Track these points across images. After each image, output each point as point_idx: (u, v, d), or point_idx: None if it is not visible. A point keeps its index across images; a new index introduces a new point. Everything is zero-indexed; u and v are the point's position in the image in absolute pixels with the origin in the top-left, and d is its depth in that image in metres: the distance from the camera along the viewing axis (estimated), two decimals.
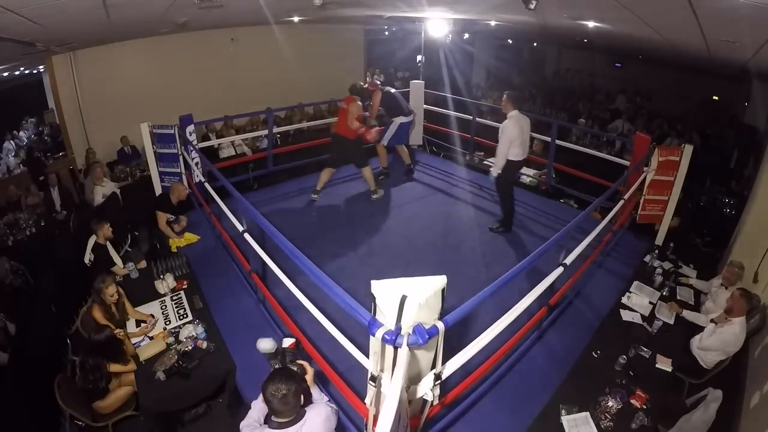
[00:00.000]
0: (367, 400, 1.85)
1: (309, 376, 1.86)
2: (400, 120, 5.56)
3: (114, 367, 2.56)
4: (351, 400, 2.19)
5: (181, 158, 4.86)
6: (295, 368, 1.86)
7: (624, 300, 3.39)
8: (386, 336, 1.52)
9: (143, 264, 3.70)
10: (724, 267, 3.33)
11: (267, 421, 1.72)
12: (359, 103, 5.01)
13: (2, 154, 6.35)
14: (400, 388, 1.45)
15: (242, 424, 1.77)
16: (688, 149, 4.13)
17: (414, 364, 1.78)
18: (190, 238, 4.40)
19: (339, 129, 5.06)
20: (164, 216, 4.22)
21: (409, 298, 1.52)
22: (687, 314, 3.21)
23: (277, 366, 1.91)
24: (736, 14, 2.43)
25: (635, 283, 3.61)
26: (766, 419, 2.44)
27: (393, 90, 5.72)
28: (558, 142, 5.41)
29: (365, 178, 5.34)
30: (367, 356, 1.77)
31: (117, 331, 2.69)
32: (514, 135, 4.16)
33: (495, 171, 4.38)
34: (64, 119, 6.34)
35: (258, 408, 1.81)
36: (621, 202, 4.02)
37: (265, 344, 2.10)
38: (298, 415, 1.64)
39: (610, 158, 5.37)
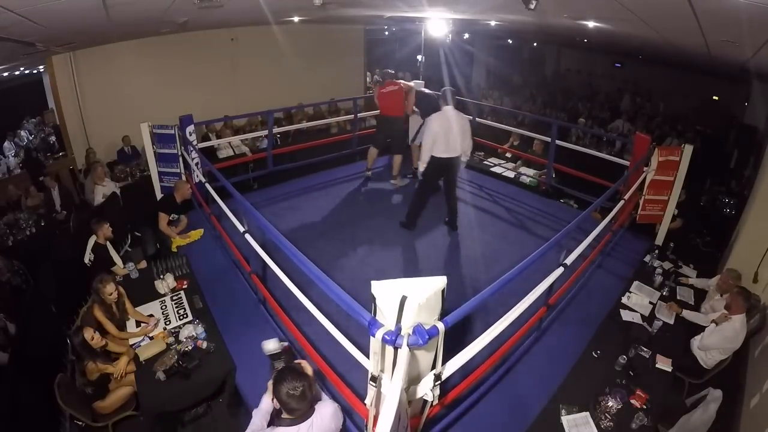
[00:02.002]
0: (368, 401, 1.85)
1: (309, 375, 1.87)
2: None
3: (97, 367, 2.54)
4: (351, 401, 2.19)
5: (180, 158, 4.87)
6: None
7: (624, 300, 3.39)
8: (386, 336, 1.52)
9: (143, 264, 3.70)
10: (723, 272, 3.33)
11: (274, 421, 1.74)
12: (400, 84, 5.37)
13: (2, 154, 6.34)
14: (400, 389, 1.45)
15: None
16: (688, 149, 4.13)
17: (414, 365, 1.78)
18: (195, 235, 4.42)
19: (391, 111, 5.38)
20: (166, 217, 4.22)
21: (409, 299, 1.52)
22: (687, 314, 3.22)
23: (281, 366, 1.92)
24: (736, 14, 2.43)
25: (635, 283, 3.61)
26: (766, 419, 2.44)
27: (426, 90, 5.72)
28: (558, 142, 5.41)
29: (394, 163, 5.64)
30: (368, 357, 1.78)
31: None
32: (433, 131, 4.11)
33: (421, 166, 4.33)
34: (64, 119, 6.34)
35: (261, 414, 1.82)
36: (621, 203, 4.02)
37: (271, 345, 2.13)
38: (308, 411, 1.68)
39: (610, 158, 5.37)
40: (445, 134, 4.13)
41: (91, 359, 2.54)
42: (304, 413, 1.66)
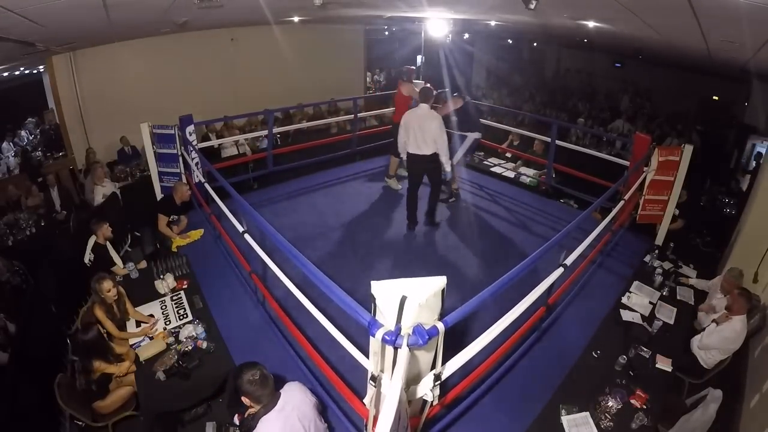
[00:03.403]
0: (367, 400, 1.85)
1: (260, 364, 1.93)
2: (475, 135, 5.26)
3: (102, 366, 2.55)
4: (351, 400, 2.19)
5: (180, 158, 4.86)
6: None
7: (624, 300, 3.39)
8: (386, 336, 1.52)
9: (143, 264, 3.70)
10: (724, 274, 3.33)
11: (249, 420, 1.78)
12: (409, 84, 5.50)
13: (2, 154, 6.34)
14: (400, 389, 1.45)
15: None
16: (688, 149, 4.13)
17: (414, 365, 1.78)
18: (194, 235, 4.42)
19: (394, 117, 5.57)
20: (165, 218, 4.22)
21: (409, 299, 1.52)
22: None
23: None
24: (736, 14, 2.43)
25: (635, 283, 3.61)
26: (766, 419, 2.44)
27: (470, 99, 5.47)
28: (558, 142, 5.41)
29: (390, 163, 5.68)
30: (367, 356, 1.78)
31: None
32: (402, 127, 4.28)
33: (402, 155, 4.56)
34: (64, 119, 6.34)
35: None
36: (621, 203, 4.02)
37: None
38: (274, 396, 1.76)
39: (610, 158, 5.37)
40: (414, 131, 4.19)
41: (99, 357, 2.54)
42: (270, 399, 1.74)
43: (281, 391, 1.82)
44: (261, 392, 1.71)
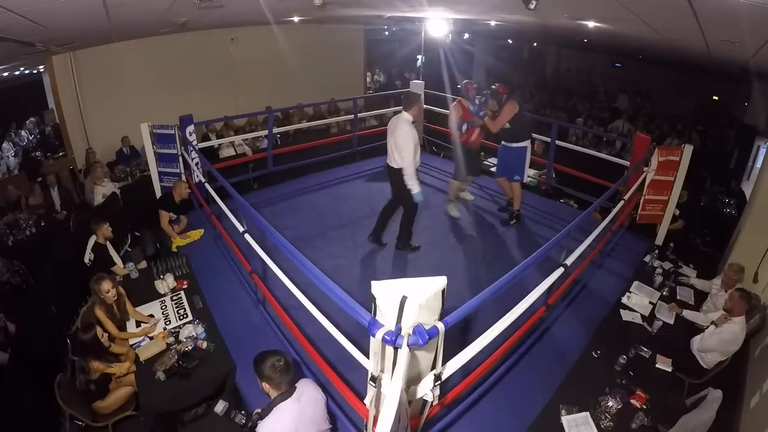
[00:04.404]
0: (367, 401, 1.85)
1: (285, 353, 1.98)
2: (529, 144, 4.64)
3: (100, 367, 2.55)
4: (351, 401, 2.19)
5: (180, 158, 4.87)
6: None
7: (624, 300, 3.39)
8: (386, 337, 1.52)
9: (143, 264, 3.70)
10: (724, 269, 3.33)
11: (267, 408, 1.81)
12: (463, 103, 4.57)
13: (2, 154, 6.35)
14: (400, 389, 1.45)
15: None
16: (688, 149, 4.14)
17: (414, 365, 1.78)
18: (194, 235, 4.42)
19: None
20: (167, 215, 4.23)
21: (410, 299, 1.52)
22: (687, 314, 3.22)
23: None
24: (736, 14, 2.43)
25: (635, 283, 3.61)
26: (766, 419, 2.44)
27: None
28: (558, 142, 5.41)
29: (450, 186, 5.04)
30: (368, 357, 1.78)
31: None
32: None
33: None
34: (64, 119, 6.33)
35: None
36: (621, 203, 4.02)
37: (219, 407, 2.37)
38: (291, 386, 1.81)
39: (610, 158, 5.37)
40: (388, 139, 3.83)
41: (97, 358, 2.54)
42: (288, 387, 1.79)
43: (297, 384, 1.87)
44: (281, 379, 1.75)
